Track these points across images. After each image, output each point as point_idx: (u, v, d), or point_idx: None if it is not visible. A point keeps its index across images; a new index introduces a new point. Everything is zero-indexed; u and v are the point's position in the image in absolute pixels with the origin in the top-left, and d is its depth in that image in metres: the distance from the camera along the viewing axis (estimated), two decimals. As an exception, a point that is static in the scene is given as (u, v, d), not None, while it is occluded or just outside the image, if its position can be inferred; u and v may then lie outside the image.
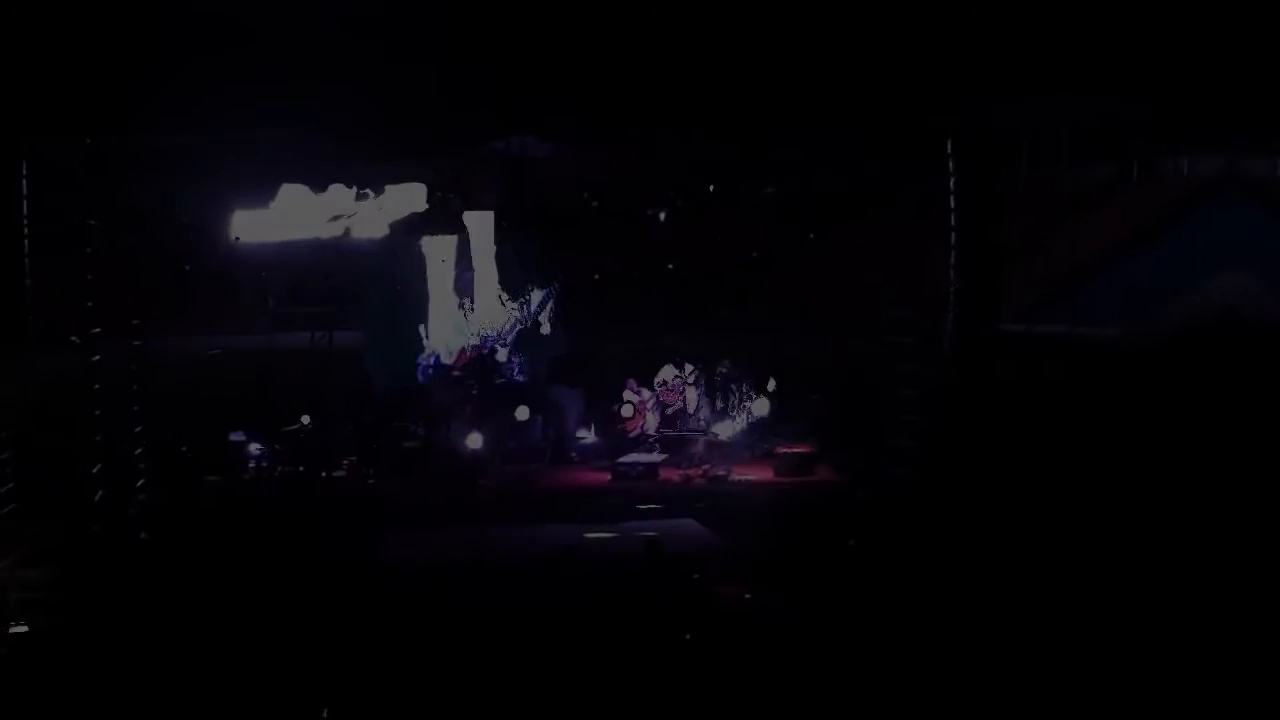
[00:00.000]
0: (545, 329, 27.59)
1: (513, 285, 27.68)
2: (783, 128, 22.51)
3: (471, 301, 27.74)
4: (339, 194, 25.78)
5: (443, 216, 26.25)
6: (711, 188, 25.88)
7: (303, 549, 20.03)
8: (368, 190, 24.85)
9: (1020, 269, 25.44)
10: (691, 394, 26.62)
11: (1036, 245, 25.81)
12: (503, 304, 27.68)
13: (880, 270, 25.16)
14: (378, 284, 27.04)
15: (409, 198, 25.35)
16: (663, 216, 26.31)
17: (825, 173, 25.03)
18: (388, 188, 25.08)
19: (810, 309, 27.77)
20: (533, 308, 27.62)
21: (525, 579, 18.95)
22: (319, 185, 24.78)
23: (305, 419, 25.57)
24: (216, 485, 24.46)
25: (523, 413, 25.94)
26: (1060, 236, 25.92)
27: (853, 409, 25.47)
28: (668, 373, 26.73)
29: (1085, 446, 22.06)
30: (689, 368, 26.61)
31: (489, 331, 27.64)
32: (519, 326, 27.65)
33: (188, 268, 25.29)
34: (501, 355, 27.63)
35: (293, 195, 25.75)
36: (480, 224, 27.34)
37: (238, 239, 25.11)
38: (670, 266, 27.34)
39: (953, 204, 23.99)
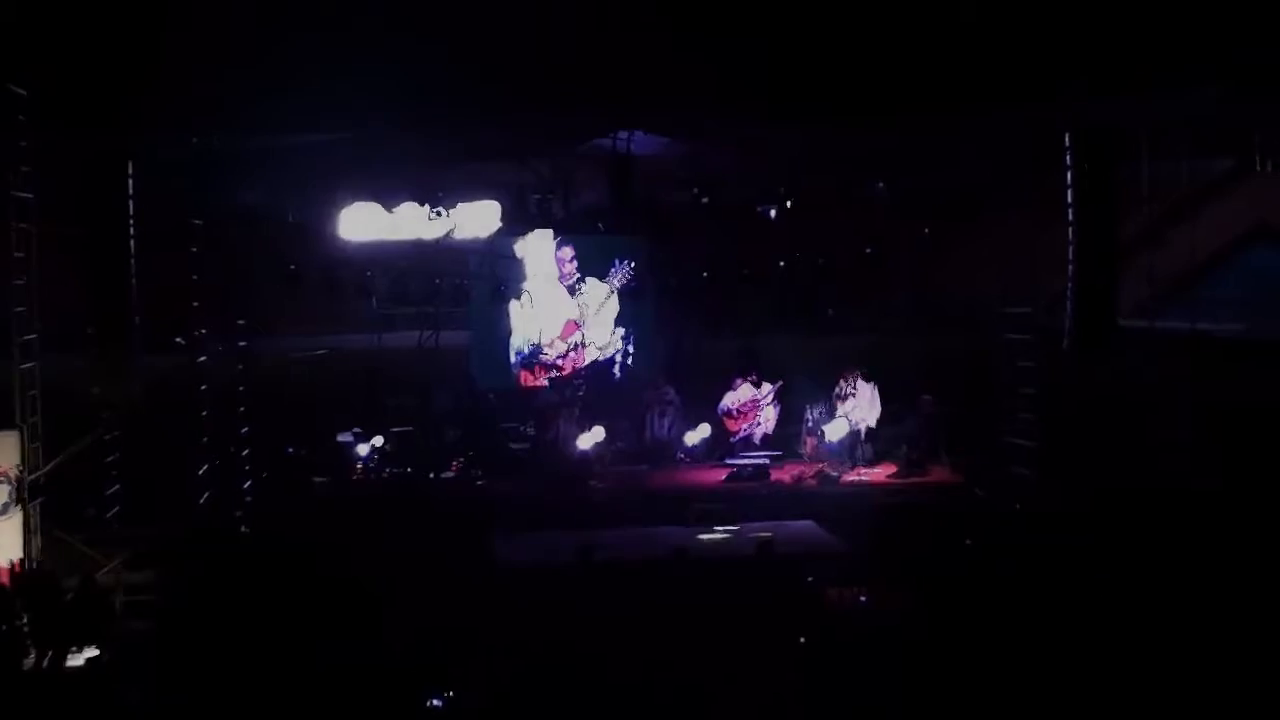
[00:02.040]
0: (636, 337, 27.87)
1: (618, 288, 27.79)
2: (897, 121, 22.12)
3: (582, 295, 27.86)
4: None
5: (543, 217, 26.07)
6: (824, 184, 25.43)
7: (412, 551, 19.88)
8: (439, 210, 24.55)
9: (1140, 264, 25.04)
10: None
11: (1156, 239, 25.32)
12: (609, 297, 27.81)
13: (996, 266, 24.93)
14: (482, 284, 26.95)
15: (481, 217, 25.11)
16: (773, 213, 25.82)
17: (941, 167, 24.65)
18: (460, 205, 24.75)
19: (924, 306, 27.59)
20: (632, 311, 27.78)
21: (636, 581, 18.84)
22: (395, 199, 24.59)
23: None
24: (324, 486, 24.49)
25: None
26: (1181, 231, 25.45)
27: (968, 408, 25.18)
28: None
29: (1210, 446, 21.76)
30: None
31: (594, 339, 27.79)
32: (622, 334, 27.80)
33: (293, 267, 25.00)
34: (614, 354, 27.78)
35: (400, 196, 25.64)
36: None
37: (343, 239, 24.92)
38: (781, 264, 27.03)
39: (1071, 198, 23.55)
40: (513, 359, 27.73)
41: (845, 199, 25.69)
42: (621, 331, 27.99)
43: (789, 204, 25.51)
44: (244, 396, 24.18)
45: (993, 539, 19.88)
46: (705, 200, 25.40)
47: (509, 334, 27.64)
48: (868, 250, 26.36)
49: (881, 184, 25.17)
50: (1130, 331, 24.73)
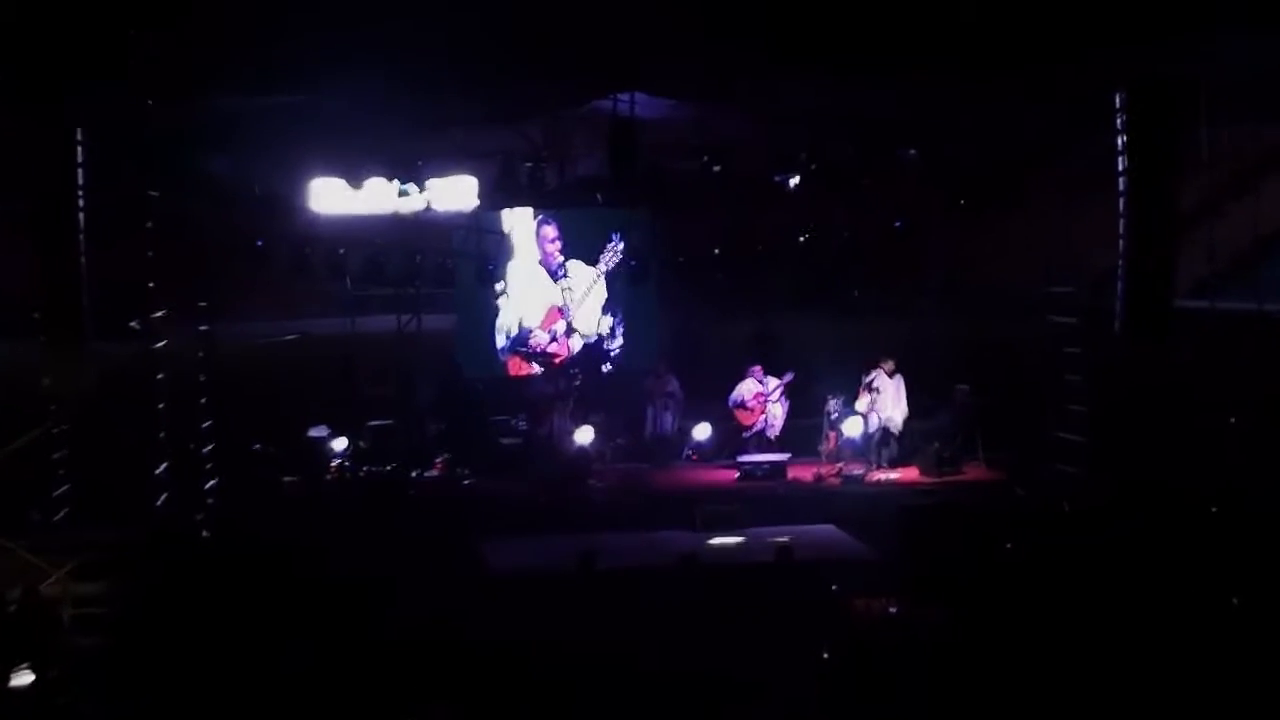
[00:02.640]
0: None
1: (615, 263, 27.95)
2: (928, 77, 21.98)
3: (567, 277, 27.99)
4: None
5: (535, 188, 25.97)
6: (849, 151, 25.37)
7: (392, 558, 20.00)
8: (409, 186, 24.49)
9: (1198, 239, 25.10)
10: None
11: (1216, 212, 25.43)
12: (597, 282, 28.05)
13: (1039, 242, 24.95)
14: (467, 262, 27.02)
15: (459, 191, 25.10)
16: (793, 183, 25.69)
17: (977, 133, 24.61)
18: (430, 182, 24.68)
19: (959, 287, 27.82)
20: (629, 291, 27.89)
21: (641, 589, 18.77)
22: (366, 172, 24.56)
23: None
24: (294, 486, 24.53)
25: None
26: (1243, 203, 25.60)
27: (1008, 398, 25.25)
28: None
29: (1276, 439, 21.71)
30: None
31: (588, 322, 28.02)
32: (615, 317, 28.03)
33: (259, 244, 25.09)
34: (610, 342, 27.93)
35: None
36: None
37: (314, 212, 24.92)
38: (801, 239, 26.96)
39: (1122, 166, 23.40)
40: (500, 344, 27.89)
41: (873, 168, 25.59)
42: (610, 320, 28.19)
43: (810, 171, 25.38)
44: (206, 387, 24.04)
45: (1036, 543, 19.75)
46: (716, 168, 25.25)
47: (496, 316, 27.82)
48: (897, 224, 26.44)
49: (913, 151, 25.09)
50: (1187, 313, 24.66)
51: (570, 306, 28.11)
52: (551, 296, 28.13)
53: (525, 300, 28.07)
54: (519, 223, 27.78)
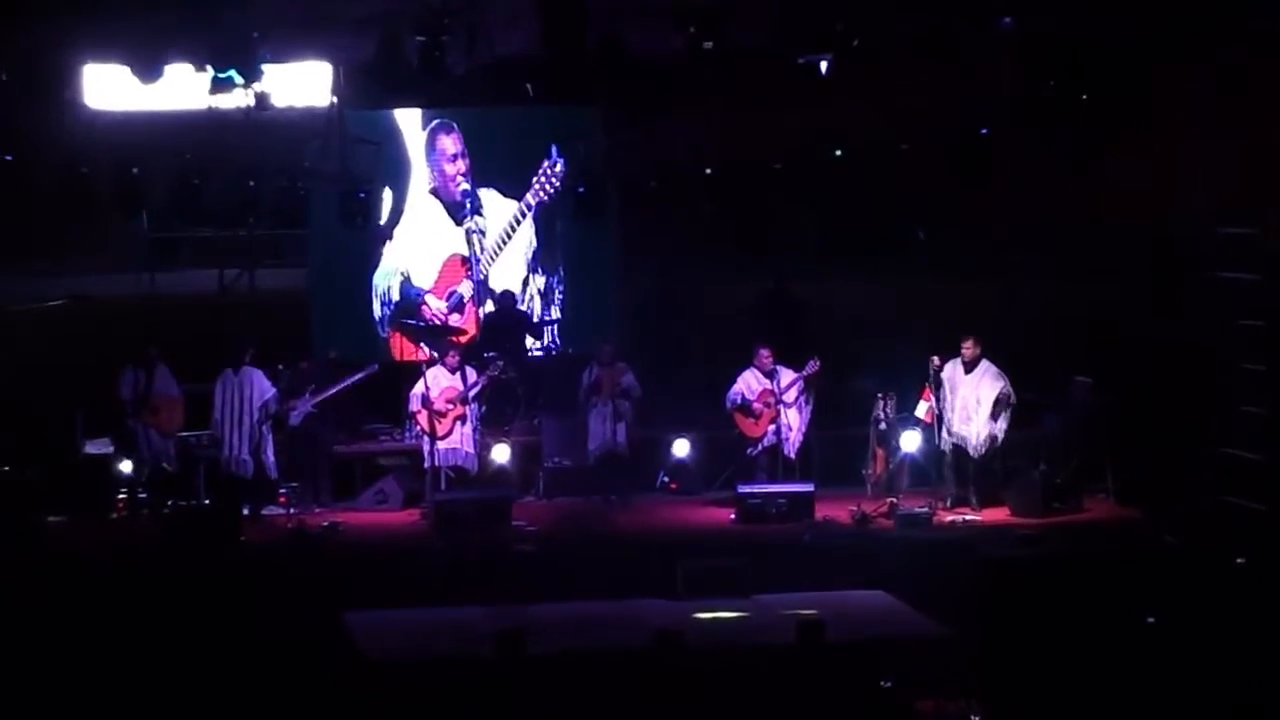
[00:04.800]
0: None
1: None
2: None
3: (477, 214, 27.94)
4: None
5: (429, 75, 25.45)
6: (909, 19, 24.75)
7: (211, 641, 20.06)
8: (229, 72, 24.04)
9: None
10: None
11: None
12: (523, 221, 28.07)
13: (1197, 159, 24.90)
14: (326, 191, 26.71)
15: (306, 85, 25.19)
16: (824, 67, 25.09)
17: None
18: (266, 69, 24.27)
19: (1075, 230, 27.32)
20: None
21: (593, 685, 18.68)
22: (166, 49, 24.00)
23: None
24: (62, 529, 24.37)
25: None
26: None
27: (1150, 398, 25.11)
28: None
29: None
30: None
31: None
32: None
33: (9, 158, 24.99)
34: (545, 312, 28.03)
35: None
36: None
37: (92, 110, 25.03)
38: (837, 154, 26.49)
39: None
40: (378, 311, 27.80)
41: (945, 45, 25.03)
42: (542, 279, 28.20)
43: (851, 49, 24.87)
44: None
45: (1193, 616, 19.46)
46: (707, 45, 24.61)
47: (374, 271, 27.85)
48: (984, 132, 25.99)
49: (1008, 20, 24.74)
50: None
51: (480, 257, 27.95)
52: (451, 243, 27.98)
53: (412, 248, 27.97)
54: (405, 129, 27.69)
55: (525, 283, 28.24)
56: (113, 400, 25.36)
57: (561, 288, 28.32)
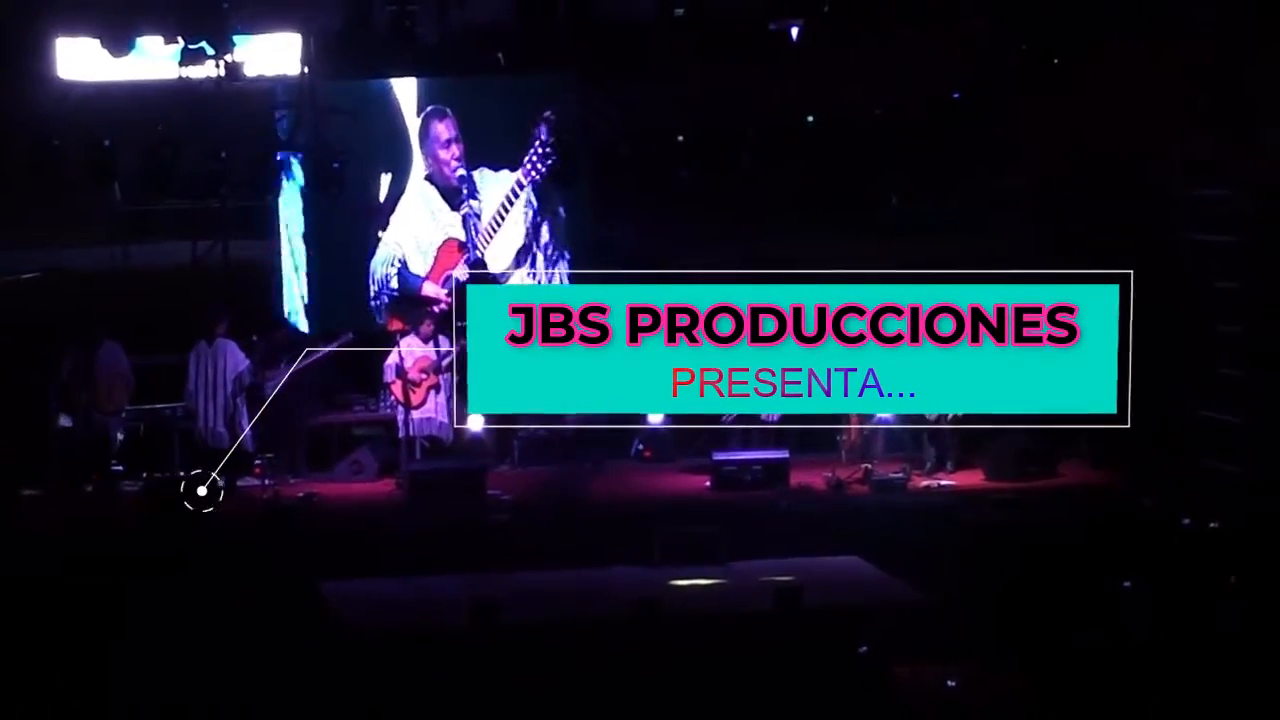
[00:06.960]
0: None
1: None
2: None
3: (473, 198, 27.84)
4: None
5: (401, 44, 25.83)
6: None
7: (188, 611, 19.90)
8: (200, 43, 24.35)
9: None
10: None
11: None
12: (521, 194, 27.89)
13: (1173, 116, 24.99)
14: (300, 160, 26.82)
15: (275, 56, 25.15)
16: (795, 32, 25.38)
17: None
18: (237, 39, 24.68)
19: (1051, 191, 27.42)
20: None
21: (569, 654, 18.52)
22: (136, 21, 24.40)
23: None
24: (36, 503, 24.50)
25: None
26: None
27: (1128, 360, 24.30)
28: None
29: None
30: None
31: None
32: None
33: None
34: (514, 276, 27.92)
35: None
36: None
37: (65, 81, 25.01)
38: (809, 119, 26.64)
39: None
40: (372, 291, 27.78)
41: (915, 9, 25.64)
42: (541, 257, 28.06)
43: (824, 13, 25.28)
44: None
45: (1168, 582, 19.55)
46: (679, 10, 25.34)
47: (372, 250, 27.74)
48: (955, 96, 26.21)
49: None
50: None
51: (475, 240, 27.92)
52: (447, 228, 27.89)
53: (408, 235, 27.85)
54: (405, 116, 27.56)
55: (530, 259, 28.12)
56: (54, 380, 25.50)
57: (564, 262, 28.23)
